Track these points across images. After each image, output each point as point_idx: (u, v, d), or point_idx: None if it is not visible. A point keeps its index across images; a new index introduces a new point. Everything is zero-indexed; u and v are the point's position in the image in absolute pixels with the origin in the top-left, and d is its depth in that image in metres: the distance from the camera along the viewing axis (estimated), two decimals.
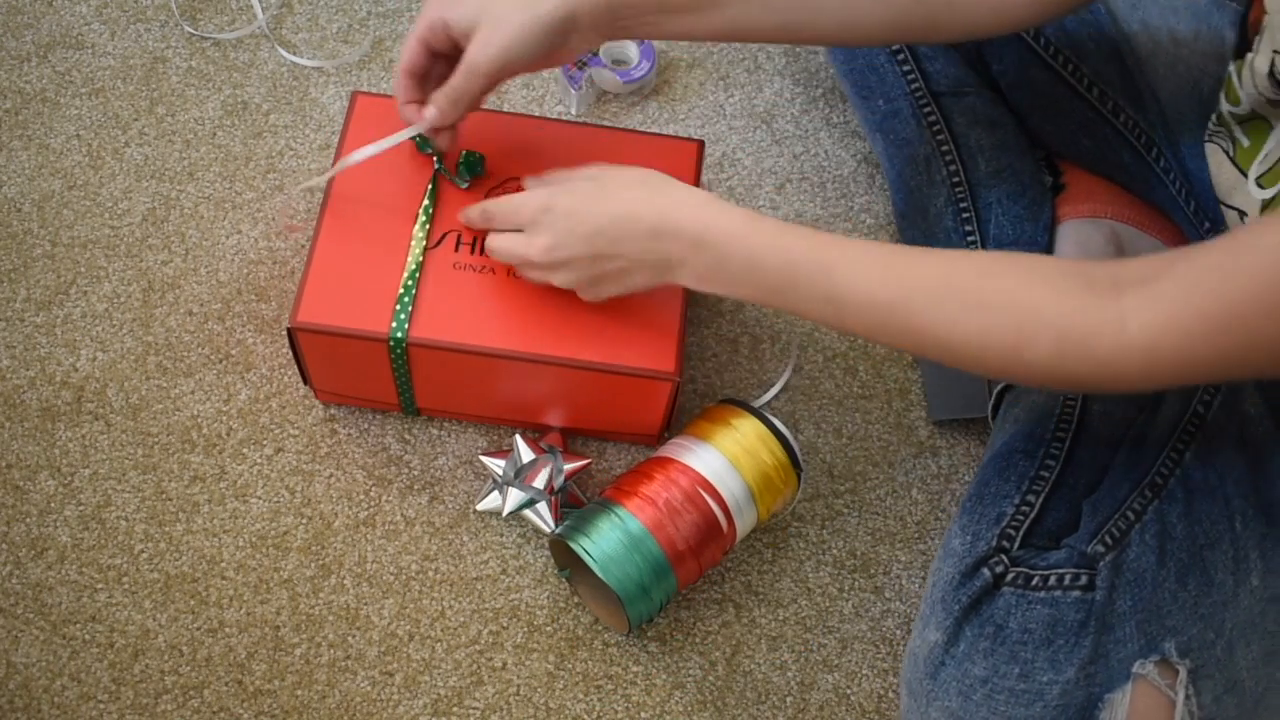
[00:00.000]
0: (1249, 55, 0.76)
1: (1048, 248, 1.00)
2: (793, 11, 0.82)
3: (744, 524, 0.89)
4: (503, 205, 0.84)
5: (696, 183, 0.95)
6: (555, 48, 0.81)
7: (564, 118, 1.11)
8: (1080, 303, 0.67)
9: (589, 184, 0.81)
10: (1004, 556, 0.78)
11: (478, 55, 0.81)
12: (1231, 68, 0.80)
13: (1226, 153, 0.84)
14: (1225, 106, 0.82)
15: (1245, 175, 0.81)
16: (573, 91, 1.11)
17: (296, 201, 1.07)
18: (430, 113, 0.84)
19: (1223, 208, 0.84)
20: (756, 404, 1.00)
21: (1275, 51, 0.72)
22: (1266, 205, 0.80)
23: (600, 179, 0.81)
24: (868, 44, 0.85)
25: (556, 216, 0.80)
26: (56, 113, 1.10)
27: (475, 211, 0.86)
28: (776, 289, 0.76)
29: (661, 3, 0.81)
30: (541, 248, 0.81)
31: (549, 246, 0.81)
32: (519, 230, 0.83)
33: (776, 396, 1.02)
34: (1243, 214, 0.83)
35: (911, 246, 0.76)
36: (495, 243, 0.85)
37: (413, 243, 0.89)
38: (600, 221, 0.79)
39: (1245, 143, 0.82)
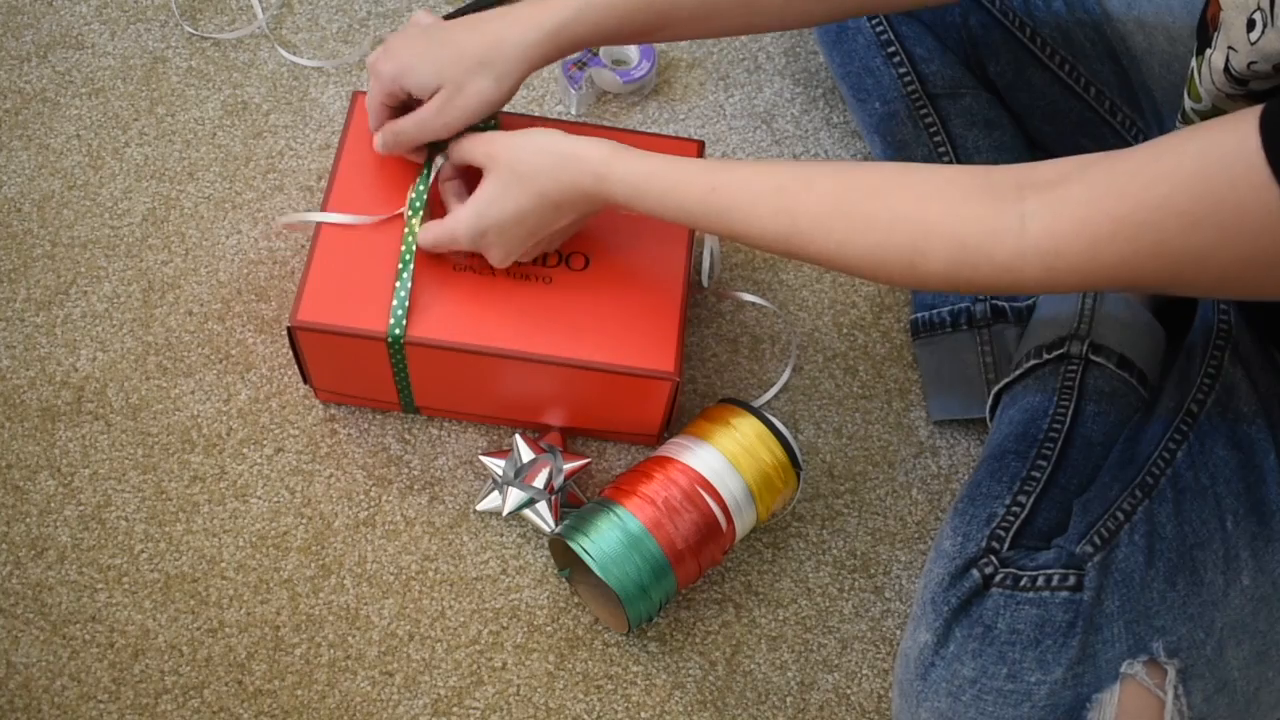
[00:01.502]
0: (1208, 51, 0.76)
1: None
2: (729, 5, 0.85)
3: (743, 524, 0.89)
4: (442, 239, 0.87)
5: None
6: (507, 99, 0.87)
7: (564, 118, 1.11)
8: (978, 209, 0.67)
9: (498, 184, 0.83)
10: (994, 557, 0.78)
11: (433, 120, 0.85)
12: (1193, 64, 0.80)
13: None
14: (1189, 104, 0.82)
15: None
16: (572, 91, 1.11)
17: (296, 202, 1.07)
18: (376, 144, 0.90)
19: None
20: (756, 404, 1.00)
21: (1230, 48, 0.72)
22: None
23: (503, 169, 0.82)
24: (809, 24, 0.87)
25: (490, 238, 0.84)
26: (56, 113, 1.10)
27: (426, 243, 0.88)
28: (684, 226, 0.82)
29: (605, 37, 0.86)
30: (498, 259, 0.86)
31: (503, 257, 0.86)
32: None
33: (776, 396, 1.02)
34: None
35: (806, 163, 0.77)
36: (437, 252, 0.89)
37: (405, 239, 0.89)
38: (528, 223, 0.83)
39: None
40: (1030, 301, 0.98)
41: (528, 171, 0.81)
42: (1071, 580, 0.76)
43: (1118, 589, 0.75)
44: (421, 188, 0.89)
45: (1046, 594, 0.76)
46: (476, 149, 0.84)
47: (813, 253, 0.74)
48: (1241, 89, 0.75)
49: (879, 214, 0.70)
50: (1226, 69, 0.74)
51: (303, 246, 1.05)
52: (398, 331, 0.86)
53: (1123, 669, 0.74)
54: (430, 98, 0.85)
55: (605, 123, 1.13)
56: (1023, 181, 0.67)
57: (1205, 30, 0.78)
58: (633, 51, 1.13)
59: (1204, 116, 0.82)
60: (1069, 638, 0.75)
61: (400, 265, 0.88)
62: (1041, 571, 0.76)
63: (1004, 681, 0.75)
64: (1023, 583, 0.76)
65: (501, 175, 0.82)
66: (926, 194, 0.69)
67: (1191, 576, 0.76)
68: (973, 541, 0.80)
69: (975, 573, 0.78)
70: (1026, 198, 0.66)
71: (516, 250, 0.85)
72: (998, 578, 0.77)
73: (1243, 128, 0.58)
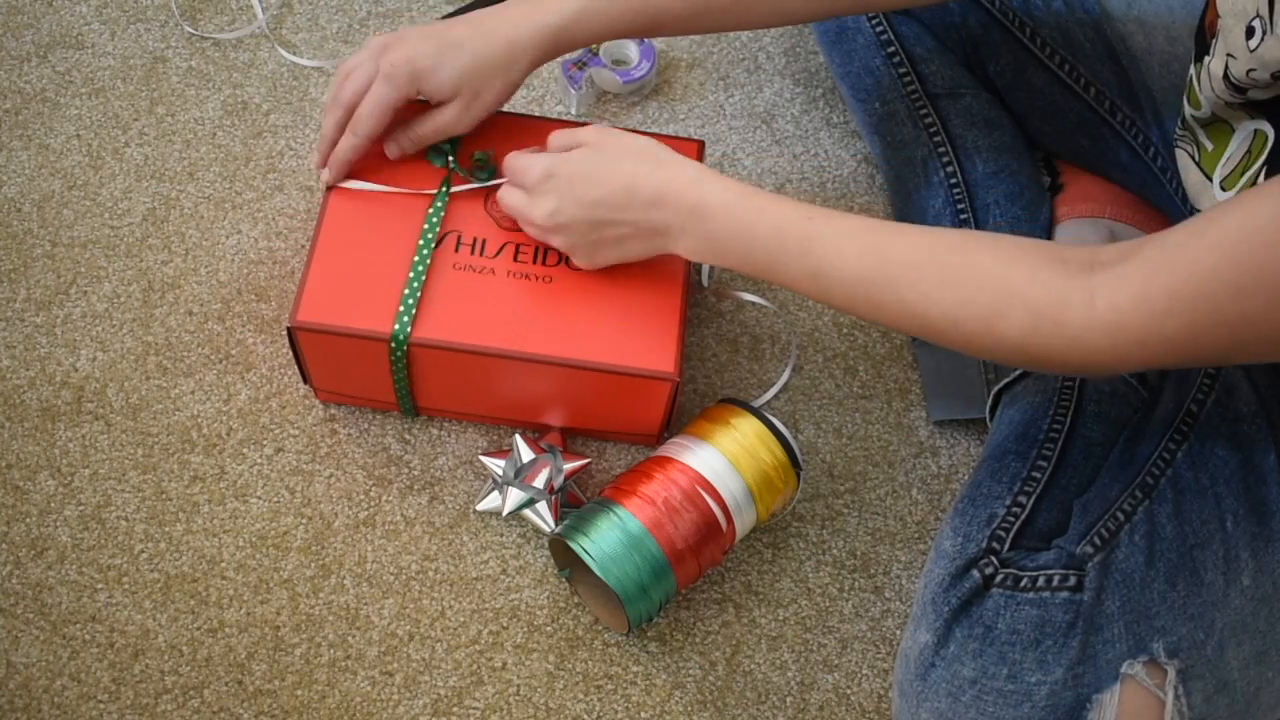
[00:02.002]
0: (1206, 59, 0.77)
1: None
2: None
3: (743, 524, 0.89)
4: (513, 162, 0.87)
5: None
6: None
7: (564, 117, 1.11)
8: (1053, 280, 0.69)
9: (592, 153, 0.83)
10: (994, 558, 0.78)
11: (454, 123, 0.89)
12: (1192, 71, 0.80)
13: (1192, 157, 0.84)
14: (1188, 110, 0.83)
15: (1210, 179, 0.82)
16: (572, 91, 1.11)
17: (296, 201, 1.07)
18: (391, 150, 0.91)
19: (1190, 211, 0.84)
20: (756, 404, 1.00)
21: (1229, 55, 0.72)
22: None
23: (602, 148, 0.83)
24: (802, 21, 0.89)
25: (559, 182, 0.83)
26: (56, 113, 1.10)
27: (507, 202, 0.88)
28: (764, 261, 0.79)
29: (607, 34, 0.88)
30: (544, 211, 0.84)
31: (551, 211, 0.84)
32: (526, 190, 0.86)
33: (776, 396, 1.02)
34: None
35: (895, 222, 0.78)
36: (503, 195, 0.88)
37: (420, 242, 0.89)
38: (601, 191, 0.82)
39: (1209, 146, 0.82)
40: None
41: (628, 157, 0.82)
42: (1072, 580, 0.76)
43: (1118, 589, 0.75)
44: (439, 204, 0.90)
45: (1047, 594, 0.76)
46: (577, 135, 0.85)
47: (893, 300, 0.75)
48: (1240, 97, 0.75)
49: (965, 270, 0.72)
50: (1226, 76, 0.74)
51: (303, 246, 1.05)
52: (402, 335, 0.86)
53: (1123, 669, 0.74)
54: (446, 101, 0.87)
55: (605, 123, 1.13)
56: (1092, 260, 0.70)
57: (1204, 37, 0.78)
58: (633, 51, 1.13)
59: (1203, 124, 0.82)
60: (1069, 638, 0.75)
61: (412, 273, 0.88)
62: (1042, 572, 0.76)
63: (1004, 682, 0.75)
64: (1023, 583, 0.76)
65: (600, 153, 0.83)
66: (1010, 259, 0.72)
67: (1192, 577, 0.76)
68: (973, 542, 0.80)
69: (975, 573, 0.78)
70: (1095, 273, 0.69)
71: (584, 237, 0.85)
72: (998, 578, 0.77)
73: (1276, 196, 0.61)
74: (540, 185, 0.84)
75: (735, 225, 0.79)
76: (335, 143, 0.89)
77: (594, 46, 1.13)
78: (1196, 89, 0.80)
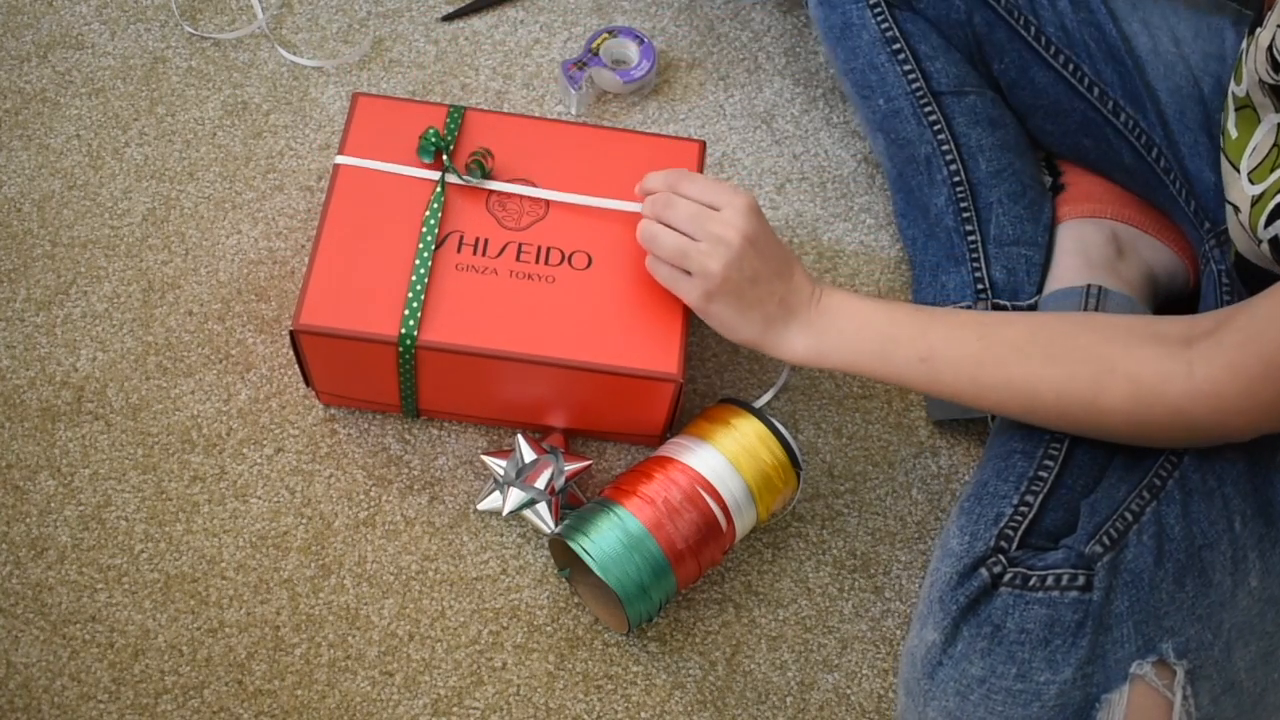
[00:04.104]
0: (1258, 30, 0.76)
1: (1048, 247, 1.00)
2: None
3: (743, 524, 0.89)
4: (690, 254, 0.85)
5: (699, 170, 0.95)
6: None
7: (564, 117, 1.11)
8: (1152, 354, 0.75)
9: (759, 217, 0.85)
10: (1002, 557, 0.78)
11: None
12: (1244, 43, 0.81)
13: (1222, 148, 0.84)
14: (1232, 86, 0.83)
15: (1237, 169, 0.81)
16: (572, 91, 1.11)
17: (296, 201, 1.07)
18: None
19: (1226, 204, 0.84)
20: (756, 404, 1.00)
21: (1278, 26, 0.72)
22: (1256, 202, 0.80)
23: (747, 248, 0.84)
24: None
25: (724, 296, 0.85)
26: (56, 113, 1.10)
27: (653, 228, 0.87)
28: (875, 350, 0.83)
29: None
30: (721, 262, 0.84)
31: (729, 262, 0.84)
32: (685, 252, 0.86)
33: (776, 396, 1.02)
34: (1236, 209, 0.83)
35: (997, 311, 0.86)
36: (664, 237, 0.86)
37: (420, 244, 0.89)
38: (777, 251, 0.85)
39: (1234, 134, 0.82)
40: (1032, 301, 0.98)
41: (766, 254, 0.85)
42: (1081, 580, 0.76)
43: (1127, 589, 0.75)
44: (436, 206, 0.89)
45: (1056, 594, 0.76)
46: (720, 197, 0.86)
47: (1001, 379, 0.80)
48: (1274, 76, 0.75)
49: (1069, 350, 0.78)
50: (1270, 47, 0.74)
51: (303, 246, 1.04)
52: (410, 338, 0.86)
53: (1132, 669, 0.74)
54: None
55: (605, 123, 1.13)
56: (1187, 332, 0.75)
57: (1261, 7, 0.78)
58: (633, 51, 1.13)
59: (1239, 106, 0.82)
60: (1079, 638, 0.74)
61: (414, 276, 0.87)
62: (1051, 571, 0.76)
63: (1013, 681, 0.75)
64: (1032, 582, 0.76)
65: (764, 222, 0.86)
66: (1109, 336, 0.78)
67: (1200, 577, 0.76)
68: (980, 541, 0.80)
69: (984, 572, 0.78)
70: (1192, 345, 0.73)
71: (739, 290, 0.85)
72: (1007, 577, 0.77)
73: None
74: (711, 294, 0.85)
75: (853, 316, 0.84)
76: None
77: (594, 46, 1.13)
78: (1243, 62, 0.80)
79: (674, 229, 0.86)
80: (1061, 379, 0.78)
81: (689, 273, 0.85)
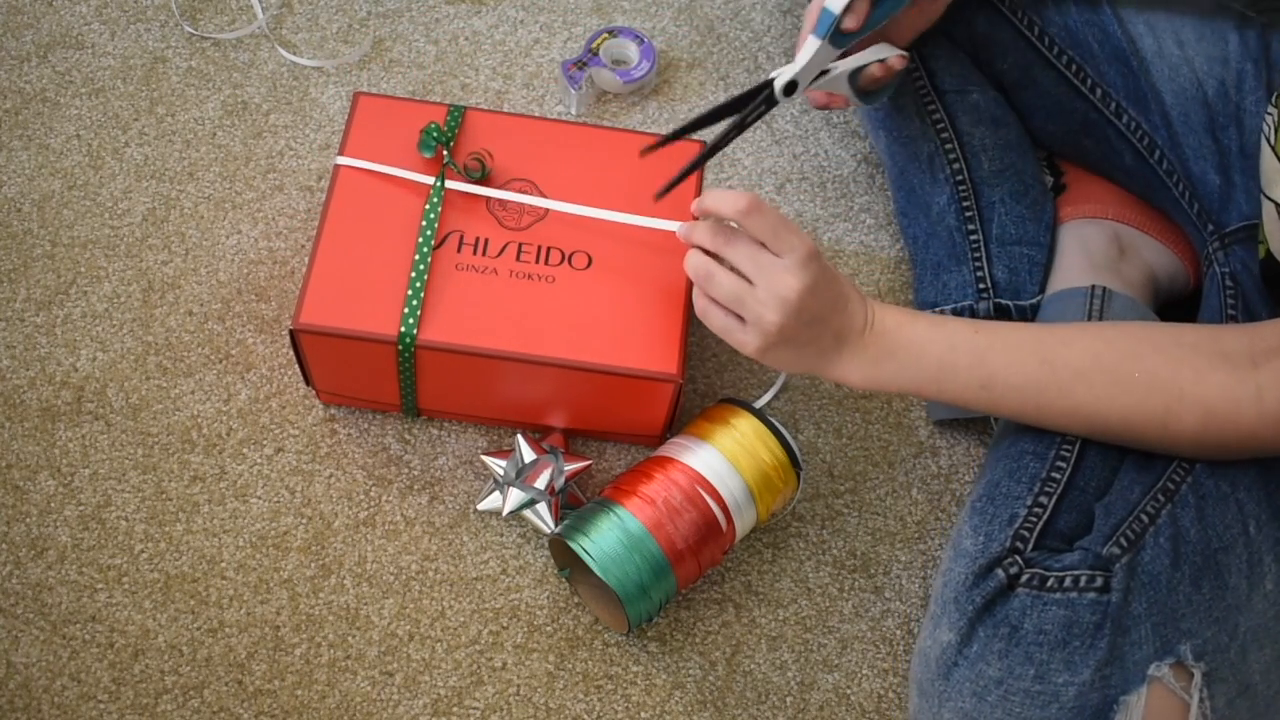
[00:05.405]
0: None
1: (1049, 247, 1.00)
2: None
3: (743, 524, 0.89)
4: (746, 303, 0.81)
5: (699, 182, 0.95)
6: None
7: (564, 117, 1.11)
8: (1222, 378, 0.75)
9: (819, 261, 0.80)
10: (1018, 558, 0.78)
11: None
12: None
13: (1267, 139, 0.83)
14: (1278, 77, 0.82)
15: None
16: (572, 91, 1.11)
17: (296, 201, 1.07)
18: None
19: (1262, 199, 0.84)
20: (756, 404, 1.00)
21: None
22: None
23: (803, 287, 0.80)
24: None
25: (781, 345, 0.81)
26: (56, 113, 1.10)
27: (709, 266, 0.82)
28: (933, 375, 0.82)
29: None
30: (755, 350, 0.82)
31: (789, 303, 0.80)
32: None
33: (776, 396, 1.02)
34: (1278, 206, 0.82)
35: (1058, 326, 0.82)
36: (717, 311, 0.83)
37: (419, 243, 0.89)
38: (838, 288, 0.81)
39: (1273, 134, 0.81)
40: (1034, 300, 0.97)
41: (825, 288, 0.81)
42: (1099, 581, 0.75)
43: (1144, 591, 0.75)
44: (435, 200, 0.90)
45: (1074, 595, 0.75)
46: (781, 244, 0.81)
47: (1067, 405, 0.79)
48: None
49: (1137, 376, 0.77)
50: None
51: (303, 246, 1.04)
52: (409, 337, 0.86)
53: (1150, 671, 0.74)
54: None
55: (605, 123, 1.13)
56: (1253, 350, 0.75)
57: None
58: (633, 51, 1.13)
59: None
60: (1097, 639, 0.74)
61: (413, 275, 0.87)
62: (1068, 572, 0.76)
63: (1031, 682, 0.75)
64: (1049, 583, 0.76)
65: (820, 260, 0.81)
66: (1176, 358, 0.77)
67: (1216, 580, 0.76)
68: (996, 541, 0.79)
69: (1000, 572, 0.77)
70: (1260, 365, 0.73)
71: (790, 346, 0.81)
72: (1024, 578, 0.77)
73: None
74: (766, 344, 0.81)
75: (908, 340, 0.82)
76: None
77: (594, 46, 1.13)
78: None
79: (729, 264, 0.82)
80: (1129, 407, 0.77)
81: (740, 317, 0.82)
